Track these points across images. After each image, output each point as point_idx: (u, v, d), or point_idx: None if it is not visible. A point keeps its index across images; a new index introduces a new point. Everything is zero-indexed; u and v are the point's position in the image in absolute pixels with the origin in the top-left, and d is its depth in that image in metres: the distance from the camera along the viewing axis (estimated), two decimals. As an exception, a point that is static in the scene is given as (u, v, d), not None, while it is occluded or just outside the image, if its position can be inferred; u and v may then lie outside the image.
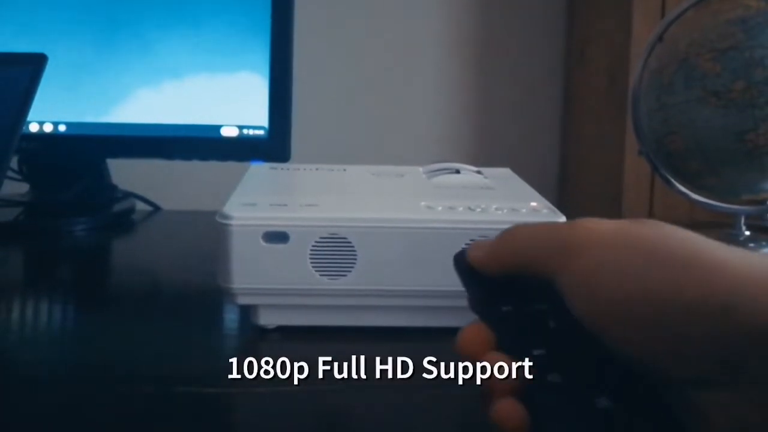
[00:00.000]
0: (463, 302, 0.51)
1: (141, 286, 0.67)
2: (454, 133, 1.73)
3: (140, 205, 1.00)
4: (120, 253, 0.84)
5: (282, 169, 0.66)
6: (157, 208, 1.02)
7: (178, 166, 0.95)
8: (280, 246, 0.49)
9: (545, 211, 0.53)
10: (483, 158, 0.69)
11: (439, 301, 0.52)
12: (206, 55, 0.91)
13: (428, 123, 1.73)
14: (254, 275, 0.49)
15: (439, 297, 0.52)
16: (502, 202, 0.54)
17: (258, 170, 0.65)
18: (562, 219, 0.51)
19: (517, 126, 1.72)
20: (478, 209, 0.52)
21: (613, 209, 1.44)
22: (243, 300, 0.51)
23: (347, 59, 1.70)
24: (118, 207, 0.94)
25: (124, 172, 1.02)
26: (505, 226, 0.51)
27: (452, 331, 0.53)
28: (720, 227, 0.82)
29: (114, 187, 0.98)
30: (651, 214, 1.38)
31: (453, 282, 0.51)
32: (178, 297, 0.63)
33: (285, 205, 0.51)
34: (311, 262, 0.50)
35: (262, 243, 0.49)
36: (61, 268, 0.75)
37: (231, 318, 0.57)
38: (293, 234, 0.49)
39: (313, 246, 0.49)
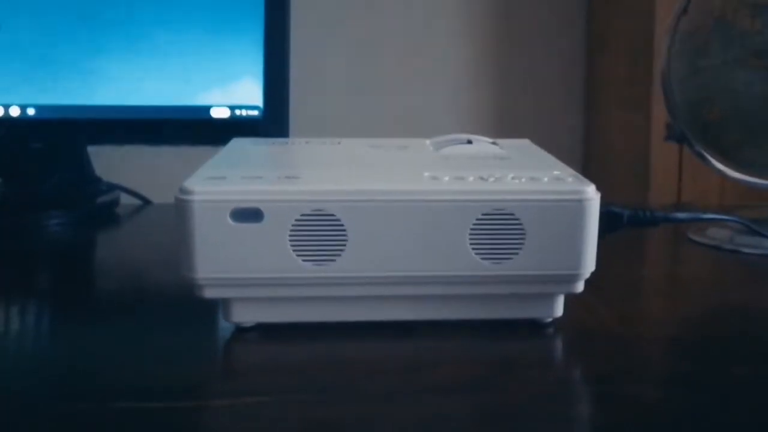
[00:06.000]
0: (477, 290, 0.44)
1: (115, 285, 0.60)
2: (475, 119, 1.72)
3: (130, 200, 0.94)
4: (97, 250, 0.78)
5: (268, 143, 0.59)
6: (147, 202, 0.97)
7: (170, 157, 0.91)
8: (252, 226, 0.42)
9: (570, 179, 0.45)
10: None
11: (447, 288, 0.45)
12: (194, 28, 0.84)
13: (447, 110, 1.71)
14: (223, 262, 0.42)
15: (446, 284, 0.44)
16: (520, 172, 0.46)
17: (239, 144, 0.57)
18: (591, 188, 0.44)
19: (540, 112, 1.72)
20: (492, 179, 0.44)
21: (641, 195, 1.42)
22: (211, 293, 0.43)
23: (355, 32, 1.65)
24: (99, 200, 0.88)
25: (115, 166, 0.98)
26: (524, 197, 0.44)
27: (463, 325, 0.46)
28: (751, 209, 0.76)
29: (98, 180, 0.92)
30: (679, 199, 1.36)
31: (463, 265, 0.44)
32: (147, 298, 0.56)
33: (259, 177, 0.44)
34: (291, 245, 0.42)
35: (231, 222, 0.42)
36: (30, 266, 0.68)
37: (208, 318, 0.49)
38: (268, 211, 0.42)
39: (294, 225, 0.42)
